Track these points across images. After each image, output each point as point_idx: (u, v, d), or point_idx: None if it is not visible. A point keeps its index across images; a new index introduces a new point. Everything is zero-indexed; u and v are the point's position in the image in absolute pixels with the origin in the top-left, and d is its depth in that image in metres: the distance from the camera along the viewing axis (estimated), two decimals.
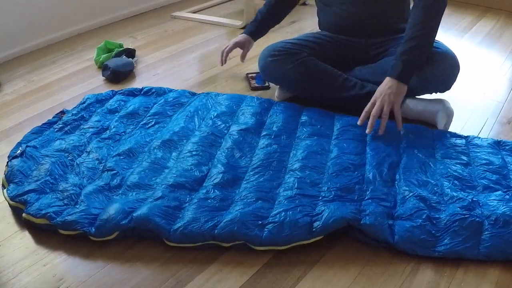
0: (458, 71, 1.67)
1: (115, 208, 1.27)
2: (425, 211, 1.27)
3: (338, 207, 1.26)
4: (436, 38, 1.76)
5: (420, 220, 1.24)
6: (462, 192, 1.34)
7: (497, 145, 1.57)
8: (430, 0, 1.56)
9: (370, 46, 1.81)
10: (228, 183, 1.39)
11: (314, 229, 1.22)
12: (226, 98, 1.82)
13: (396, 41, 1.78)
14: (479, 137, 1.61)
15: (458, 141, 1.58)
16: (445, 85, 1.68)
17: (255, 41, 2.00)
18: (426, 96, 1.75)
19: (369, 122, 1.56)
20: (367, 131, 1.56)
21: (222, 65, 2.03)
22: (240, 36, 1.98)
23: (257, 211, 1.27)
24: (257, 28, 1.98)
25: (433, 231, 1.22)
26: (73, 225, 1.24)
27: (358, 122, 1.60)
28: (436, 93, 1.72)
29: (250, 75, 2.02)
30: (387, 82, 1.58)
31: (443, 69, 1.64)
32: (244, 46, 2.00)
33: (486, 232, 1.21)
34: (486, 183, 1.38)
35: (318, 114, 1.71)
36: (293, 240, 1.21)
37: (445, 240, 1.20)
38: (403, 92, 1.57)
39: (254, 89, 1.96)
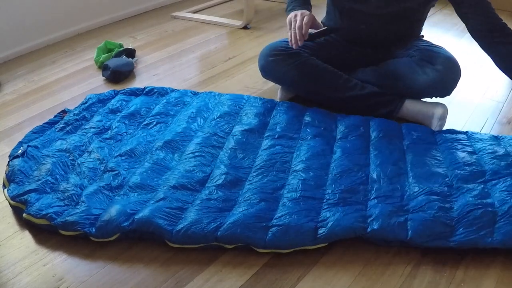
0: (459, 77, 1.67)
1: (116, 210, 1.27)
2: (436, 202, 1.27)
3: (344, 216, 1.25)
4: (436, 41, 1.76)
5: (432, 211, 1.24)
6: (472, 184, 1.35)
7: (496, 138, 1.60)
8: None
9: (376, 54, 1.80)
10: (231, 184, 1.38)
11: (318, 236, 1.22)
12: (229, 98, 1.82)
13: (402, 45, 1.77)
14: (478, 132, 1.63)
15: (460, 136, 1.60)
16: (446, 91, 1.68)
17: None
18: (426, 99, 1.75)
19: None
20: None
21: (299, 45, 1.65)
22: (303, 11, 1.66)
23: (261, 213, 1.27)
24: (305, 3, 1.75)
25: (448, 221, 1.22)
26: (74, 225, 1.24)
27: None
28: (436, 97, 1.72)
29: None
30: None
31: (444, 75, 1.63)
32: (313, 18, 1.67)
33: (500, 221, 1.22)
34: (496, 168, 1.40)
35: (322, 114, 1.71)
36: (297, 244, 1.21)
37: (460, 230, 1.21)
38: None
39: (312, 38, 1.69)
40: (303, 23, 1.61)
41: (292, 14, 1.65)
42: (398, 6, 1.68)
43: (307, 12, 1.65)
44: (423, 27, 1.86)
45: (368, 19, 1.74)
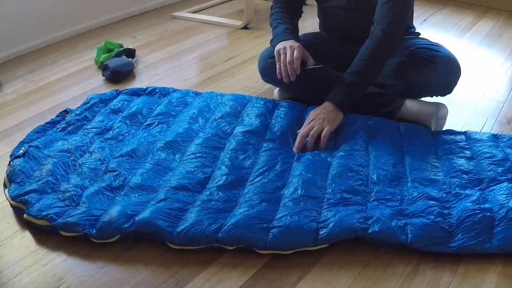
0: (459, 75, 1.67)
1: (117, 211, 1.27)
2: (436, 207, 1.27)
3: (345, 216, 1.25)
4: (436, 41, 1.76)
5: (432, 217, 1.24)
6: (470, 190, 1.35)
7: (495, 138, 1.59)
8: (387, 35, 1.55)
9: None
10: (232, 184, 1.38)
11: (319, 237, 1.22)
12: (230, 98, 1.81)
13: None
14: (477, 132, 1.63)
15: (458, 137, 1.60)
16: (446, 89, 1.68)
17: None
18: (426, 99, 1.75)
19: (296, 141, 1.52)
20: (294, 149, 1.52)
21: (292, 79, 1.60)
22: (291, 42, 1.61)
23: (261, 214, 1.27)
24: (292, 31, 1.70)
25: (446, 227, 1.22)
26: (74, 227, 1.24)
27: (294, 149, 1.52)
28: (437, 96, 1.72)
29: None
30: (325, 106, 1.56)
31: (444, 73, 1.63)
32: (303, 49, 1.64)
33: (498, 226, 1.22)
34: (493, 175, 1.40)
35: None
36: (298, 246, 1.21)
37: (458, 235, 1.21)
38: (338, 120, 1.55)
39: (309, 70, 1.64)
40: (294, 57, 1.56)
41: (280, 46, 1.61)
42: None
43: (296, 44, 1.60)
44: (413, 23, 1.86)
45: (345, 13, 1.75)
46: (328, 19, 1.86)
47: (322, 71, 1.67)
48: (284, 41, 1.63)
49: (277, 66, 1.62)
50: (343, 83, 1.56)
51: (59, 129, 1.66)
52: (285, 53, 1.59)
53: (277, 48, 1.63)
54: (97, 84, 2.06)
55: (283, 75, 1.60)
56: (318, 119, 1.54)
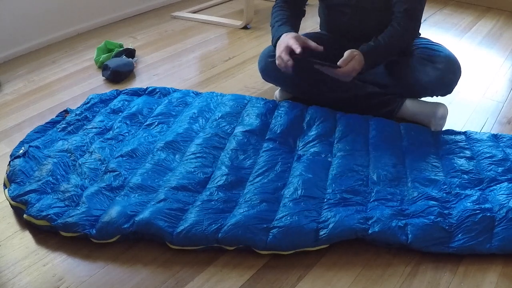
0: (460, 75, 1.67)
1: (117, 211, 1.27)
2: (436, 208, 1.27)
3: (345, 217, 1.25)
4: (436, 41, 1.76)
5: (432, 217, 1.24)
6: (470, 190, 1.35)
7: (495, 138, 1.59)
8: (405, 24, 1.60)
9: None
10: (232, 185, 1.38)
11: (320, 237, 1.22)
12: (230, 98, 1.81)
13: None
14: (477, 132, 1.63)
15: (458, 137, 1.60)
16: (446, 89, 1.68)
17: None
18: (426, 99, 1.75)
19: (343, 60, 1.53)
20: (339, 63, 1.53)
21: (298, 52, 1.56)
22: (289, 35, 1.60)
23: (261, 214, 1.27)
24: (291, 25, 1.68)
25: (446, 227, 1.22)
26: (74, 227, 1.24)
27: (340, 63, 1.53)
28: (437, 96, 1.72)
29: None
30: (359, 54, 1.56)
31: (444, 73, 1.63)
32: (301, 39, 1.60)
33: (498, 226, 1.22)
34: (493, 175, 1.40)
35: (322, 114, 1.70)
36: (298, 246, 1.21)
37: (458, 236, 1.21)
38: (359, 69, 1.56)
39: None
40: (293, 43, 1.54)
41: (279, 41, 1.60)
42: None
43: (293, 34, 1.59)
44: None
45: (350, 11, 1.74)
46: (332, 17, 1.85)
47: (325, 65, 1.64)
48: (282, 36, 1.61)
49: (276, 56, 1.59)
50: (369, 45, 1.59)
51: (59, 129, 1.66)
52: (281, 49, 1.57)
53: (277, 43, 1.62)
54: (97, 84, 2.06)
55: (282, 65, 1.56)
56: (356, 60, 1.54)
